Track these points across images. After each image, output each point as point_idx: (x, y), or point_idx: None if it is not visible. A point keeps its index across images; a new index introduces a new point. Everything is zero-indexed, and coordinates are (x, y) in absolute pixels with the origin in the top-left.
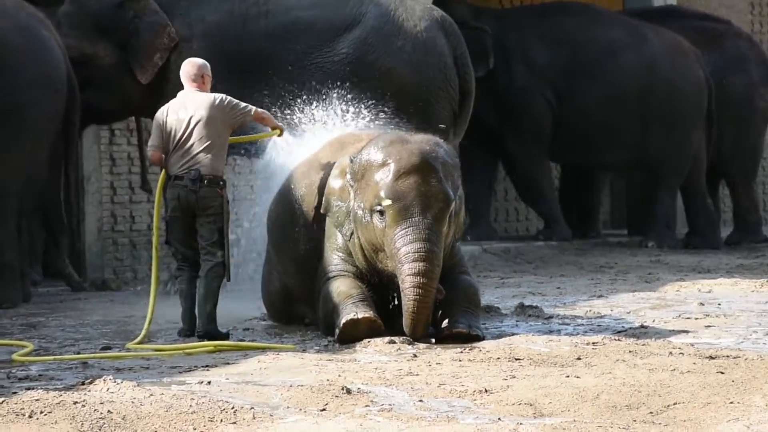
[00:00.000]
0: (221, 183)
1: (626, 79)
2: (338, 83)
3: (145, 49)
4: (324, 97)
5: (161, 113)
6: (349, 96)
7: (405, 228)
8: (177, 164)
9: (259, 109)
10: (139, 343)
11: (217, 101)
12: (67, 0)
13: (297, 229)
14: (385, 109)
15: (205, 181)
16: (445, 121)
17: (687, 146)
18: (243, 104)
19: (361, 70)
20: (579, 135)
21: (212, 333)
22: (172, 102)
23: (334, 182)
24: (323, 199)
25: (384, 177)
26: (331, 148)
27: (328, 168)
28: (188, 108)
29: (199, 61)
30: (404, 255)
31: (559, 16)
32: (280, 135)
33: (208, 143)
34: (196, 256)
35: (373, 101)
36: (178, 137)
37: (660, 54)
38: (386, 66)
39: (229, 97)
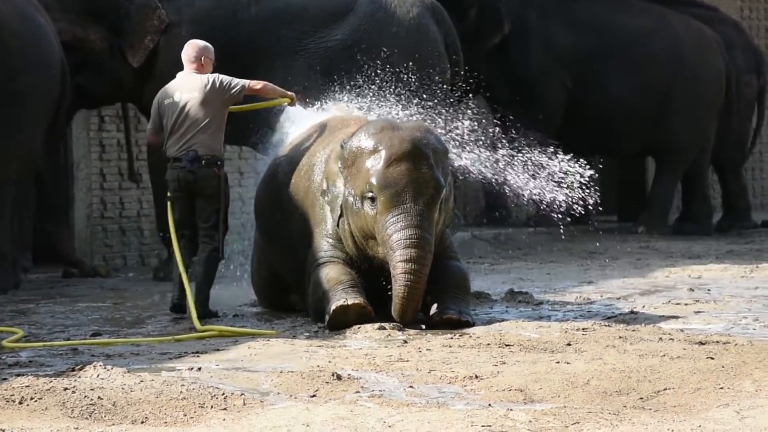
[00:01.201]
0: (218, 163)
1: (650, 66)
2: (332, 70)
3: (136, 31)
4: (318, 83)
5: (158, 96)
6: (344, 82)
7: (396, 215)
8: (175, 146)
9: (253, 81)
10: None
11: (210, 82)
12: None
13: (283, 213)
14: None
15: (203, 162)
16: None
17: (702, 134)
18: (236, 81)
19: (356, 56)
20: (596, 121)
21: (206, 316)
22: (168, 85)
23: (332, 165)
24: (323, 181)
25: (375, 164)
26: (316, 131)
27: (312, 152)
28: (183, 90)
29: (201, 43)
30: (396, 241)
31: (584, 1)
32: (291, 104)
33: (203, 124)
34: (197, 236)
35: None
36: (174, 119)
37: (685, 41)
38: (380, 52)
39: (222, 77)
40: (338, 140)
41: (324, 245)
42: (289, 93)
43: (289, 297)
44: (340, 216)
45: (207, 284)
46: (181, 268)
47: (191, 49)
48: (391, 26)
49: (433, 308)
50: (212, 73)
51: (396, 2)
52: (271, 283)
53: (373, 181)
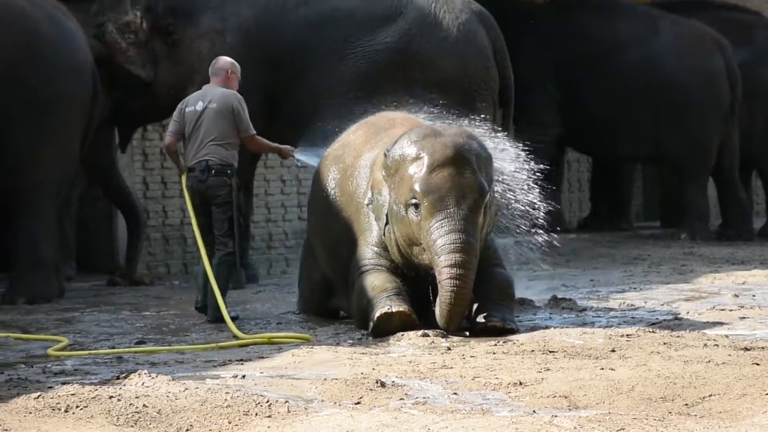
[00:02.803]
0: (229, 172)
1: (631, 74)
2: (379, 74)
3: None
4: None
5: (181, 104)
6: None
7: (440, 220)
8: (191, 155)
9: (258, 137)
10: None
11: (232, 97)
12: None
13: (329, 216)
14: (431, 100)
15: (213, 171)
16: (486, 114)
17: (703, 137)
18: (247, 123)
19: (404, 60)
20: (588, 129)
21: (220, 320)
22: (193, 94)
23: (377, 174)
24: (368, 190)
25: (418, 171)
26: (364, 130)
27: (360, 151)
28: (204, 100)
29: (228, 59)
30: (440, 246)
31: (573, 11)
32: (284, 157)
33: (217, 134)
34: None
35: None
36: (192, 128)
37: (666, 47)
38: (429, 57)
39: (243, 104)
40: (383, 143)
41: (368, 253)
42: (284, 148)
43: (336, 302)
44: (386, 224)
45: (219, 289)
46: (208, 270)
47: (218, 63)
48: (440, 31)
49: (478, 316)
50: (237, 90)
51: (445, 8)
52: (322, 286)
53: (417, 187)
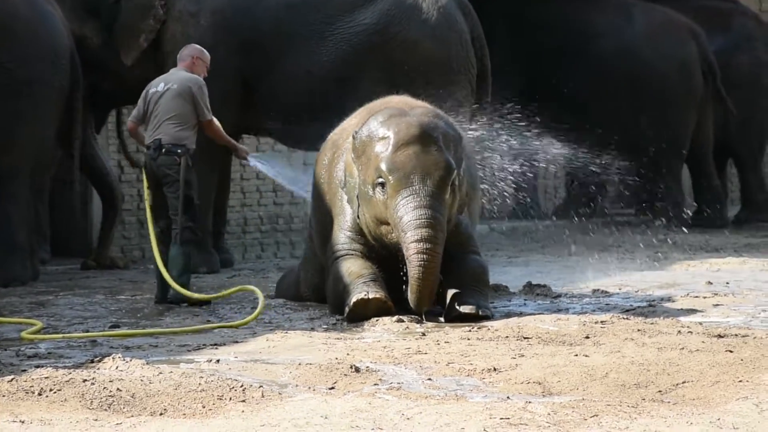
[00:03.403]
0: (179, 151)
1: (605, 64)
2: (359, 55)
3: (130, 30)
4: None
5: (147, 86)
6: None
7: (406, 197)
8: (148, 135)
9: (216, 125)
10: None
11: (192, 81)
12: None
13: (320, 198)
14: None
15: (163, 150)
16: (464, 99)
17: (677, 125)
18: (204, 108)
19: (384, 42)
20: (562, 118)
21: (181, 299)
22: (158, 77)
23: (348, 156)
24: (343, 173)
25: (383, 150)
26: (361, 115)
27: (340, 140)
28: (167, 82)
29: (197, 47)
30: (407, 223)
31: (544, 1)
32: (239, 156)
33: (174, 114)
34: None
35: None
36: (151, 109)
37: (639, 37)
38: (410, 38)
39: (204, 89)
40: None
41: (341, 237)
42: (240, 148)
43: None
44: (358, 206)
45: (175, 269)
46: (155, 250)
47: (185, 49)
48: (420, 13)
49: (452, 302)
50: (206, 77)
51: None
52: (317, 268)
53: (382, 166)
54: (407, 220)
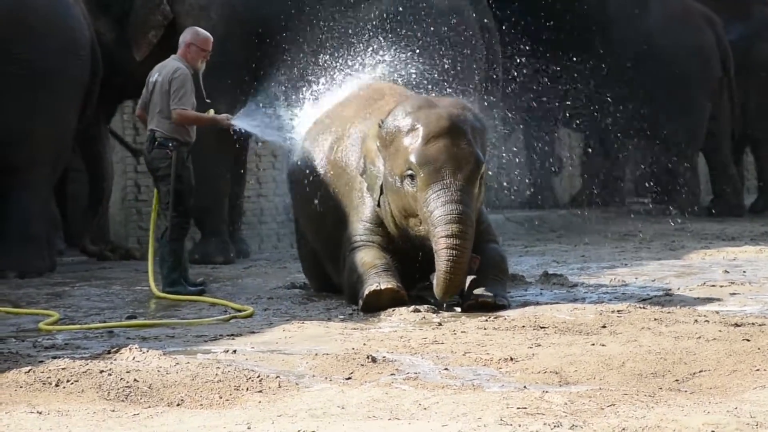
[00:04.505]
0: (171, 145)
1: (620, 50)
2: (368, 45)
3: (140, 25)
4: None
5: (148, 75)
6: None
7: (437, 191)
8: (148, 125)
9: (186, 112)
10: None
11: (171, 70)
12: None
13: (316, 191)
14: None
15: (156, 143)
16: (476, 88)
17: (693, 113)
18: (175, 96)
19: (393, 30)
20: (579, 106)
21: (171, 293)
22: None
23: (371, 144)
24: (361, 160)
25: (413, 142)
26: (356, 102)
27: (352, 122)
28: (160, 72)
29: (192, 31)
30: (438, 217)
31: None
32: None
33: (162, 107)
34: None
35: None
36: (148, 100)
37: (656, 23)
38: (421, 27)
39: (181, 78)
40: (374, 116)
41: (360, 228)
42: (219, 117)
43: (327, 272)
44: (381, 195)
45: (165, 264)
46: (150, 251)
47: (182, 35)
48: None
49: (469, 291)
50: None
51: None
52: (311, 260)
53: (412, 159)
54: (438, 215)
